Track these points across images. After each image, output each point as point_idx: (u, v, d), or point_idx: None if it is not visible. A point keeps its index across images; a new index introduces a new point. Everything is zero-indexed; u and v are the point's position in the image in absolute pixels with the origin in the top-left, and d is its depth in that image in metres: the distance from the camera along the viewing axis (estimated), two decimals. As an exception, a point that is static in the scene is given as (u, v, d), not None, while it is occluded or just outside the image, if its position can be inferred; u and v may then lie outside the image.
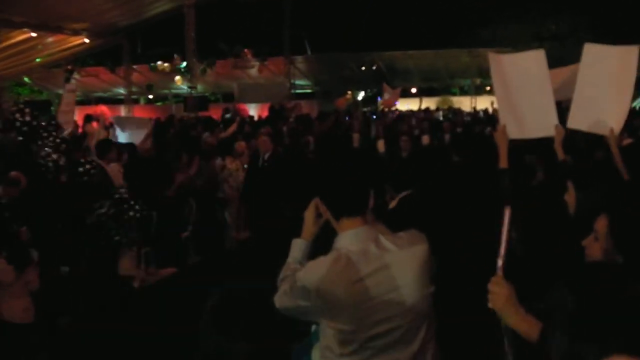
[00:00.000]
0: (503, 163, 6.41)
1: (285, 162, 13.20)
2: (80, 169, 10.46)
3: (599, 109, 6.42)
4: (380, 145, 12.19)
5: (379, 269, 3.38)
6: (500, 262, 3.09)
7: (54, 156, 10.50)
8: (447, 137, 14.45)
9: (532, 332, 3.04)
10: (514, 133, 6.64)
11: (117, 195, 9.53)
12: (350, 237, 3.46)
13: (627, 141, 6.78)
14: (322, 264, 3.44)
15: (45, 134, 10.85)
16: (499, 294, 3.07)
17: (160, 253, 11.15)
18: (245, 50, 31.38)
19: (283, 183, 12.32)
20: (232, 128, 17.50)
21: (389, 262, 3.40)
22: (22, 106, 11.23)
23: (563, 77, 7.09)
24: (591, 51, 6.67)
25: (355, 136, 12.86)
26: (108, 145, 11.40)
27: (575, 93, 6.60)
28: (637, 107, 29.08)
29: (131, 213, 9.63)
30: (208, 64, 31.73)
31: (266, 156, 12.82)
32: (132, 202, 9.65)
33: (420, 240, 3.59)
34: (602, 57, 6.56)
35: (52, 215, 9.43)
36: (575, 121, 6.63)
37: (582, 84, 6.56)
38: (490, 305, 3.10)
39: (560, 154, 6.42)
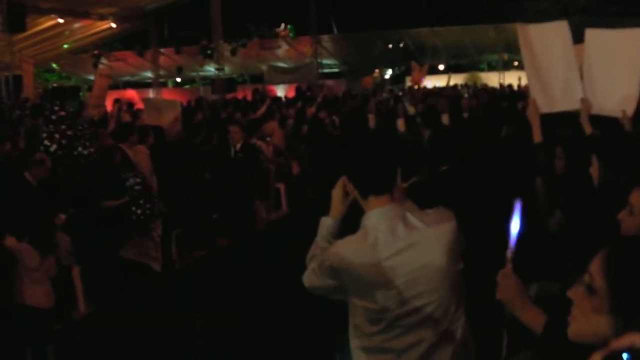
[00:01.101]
0: (537, 137, 6.29)
1: (257, 153, 13.18)
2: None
3: (609, 92, 6.39)
4: (401, 124, 12.10)
5: (407, 247, 3.36)
6: (509, 254, 3.06)
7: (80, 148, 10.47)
8: (465, 115, 14.16)
9: (537, 323, 3.02)
10: (544, 107, 6.59)
11: (136, 188, 9.69)
12: (378, 216, 3.43)
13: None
14: (350, 242, 3.44)
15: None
16: (507, 286, 3.05)
17: (190, 235, 11.25)
18: (277, 29, 31.30)
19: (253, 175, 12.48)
20: (262, 110, 17.53)
21: (416, 240, 3.38)
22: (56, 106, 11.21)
23: None
24: (593, 36, 6.64)
25: (371, 117, 12.73)
26: (128, 129, 11.40)
27: (584, 78, 6.55)
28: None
29: (148, 206, 9.78)
30: (241, 44, 31.69)
31: (238, 147, 12.38)
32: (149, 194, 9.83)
33: (449, 217, 3.55)
34: (606, 42, 6.55)
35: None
36: None
37: (589, 69, 6.53)
38: (498, 296, 3.07)
39: (588, 128, 6.34)
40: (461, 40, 35.76)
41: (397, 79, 39.47)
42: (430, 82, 30.34)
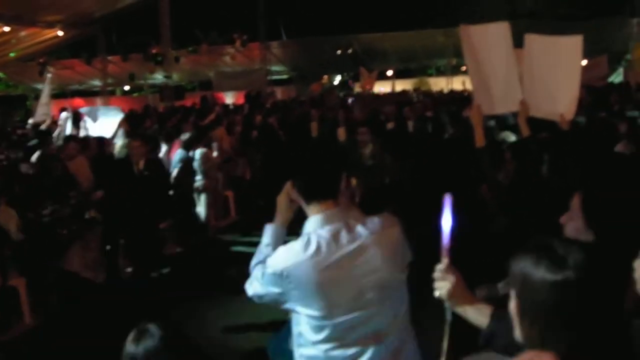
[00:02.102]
0: (479, 142, 6.35)
1: (162, 170, 11.96)
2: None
3: (548, 96, 6.51)
4: (341, 133, 12.10)
5: (349, 254, 3.36)
6: (444, 249, 3.07)
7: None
8: (410, 124, 14.06)
9: (482, 318, 3.07)
10: (485, 108, 6.68)
11: (72, 201, 9.62)
12: (320, 221, 3.43)
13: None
14: (291, 249, 3.41)
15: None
16: (446, 283, 3.05)
17: (137, 245, 11.19)
18: (235, 35, 31.23)
19: (161, 194, 11.64)
20: (211, 117, 17.52)
21: (359, 246, 3.37)
22: None
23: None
24: (532, 42, 6.78)
25: (313, 125, 12.70)
26: (68, 140, 11.37)
27: (524, 81, 6.65)
28: (615, 82, 29.35)
29: (86, 217, 9.74)
30: (192, 50, 31.55)
31: (141, 164, 10.73)
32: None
33: (393, 223, 3.56)
34: (545, 48, 6.68)
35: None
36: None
37: (528, 74, 6.66)
38: (436, 294, 3.08)
39: (525, 130, 6.44)
40: (410, 45, 35.94)
41: (346, 84, 39.57)
42: (378, 87, 30.46)
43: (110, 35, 34.67)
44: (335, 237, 3.38)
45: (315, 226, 3.44)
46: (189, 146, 13.20)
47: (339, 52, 34.94)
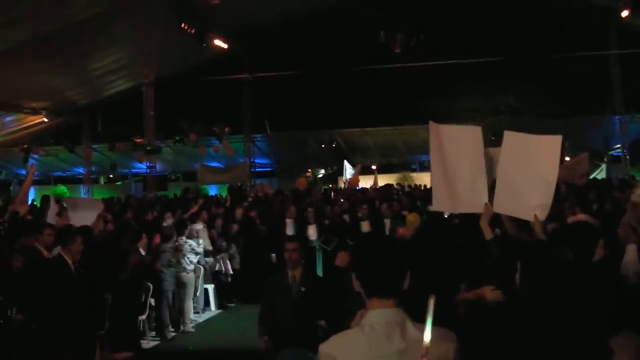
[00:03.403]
0: (487, 235, 6.52)
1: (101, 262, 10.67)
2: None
3: (523, 195, 6.55)
4: (312, 230, 12.06)
5: (398, 353, 3.34)
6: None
7: None
8: (387, 222, 13.95)
9: None
10: (446, 206, 6.70)
11: None
12: (378, 316, 3.42)
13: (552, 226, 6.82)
14: (344, 335, 3.48)
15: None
16: None
17: (116, 336, 11.02)
18: (216, 128, 31.42)
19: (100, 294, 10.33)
20: (194, 208, 17.50)
21: (409, 348, 3.33)
22: None
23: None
24: (511, 139, 6.83)
25: (289, 221, 12.66)
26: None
27: (498, 179, 6.74)
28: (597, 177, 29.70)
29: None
30: (179, 140, 31.61)
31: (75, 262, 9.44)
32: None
33: (450, 338, 3.50)
34: (523, 146, 6.73)
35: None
36: (501, 205, 6.75)
37: (504, 171, 6.72)
38: None
39: (487, 233, 6.53)
40: (392, 140, 36.27)
41: (329, 178, 39.72)
42: (361, 182, 30.57)
43: (95, 123, 34.80)
44: (388, 334, 3.36)
45: (373, 320, 3.42)
46: (168, 238, 13.18)
47: (323, 146, 35.17)
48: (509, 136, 6.83)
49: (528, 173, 6.54)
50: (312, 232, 11.98)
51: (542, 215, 6.40)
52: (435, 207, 7.27)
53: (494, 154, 6.96)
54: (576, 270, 4.80)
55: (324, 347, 3.48)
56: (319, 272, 13.69)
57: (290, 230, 12.83)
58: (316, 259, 14.04)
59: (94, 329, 10.62)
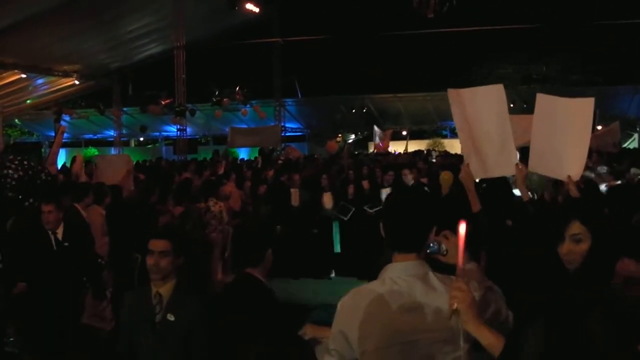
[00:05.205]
0: (475, 206, 6.05)
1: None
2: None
3: (556, 156, 6.47)
4: (327, 199, 11.69)
5: (419, 306, 3.31)
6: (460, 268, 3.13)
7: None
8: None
9: (495, 345, 3.06)
10: (479, 173, 6.57)
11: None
12: (399, 270, 3.40)
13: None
14: (363, 288, 3.45)
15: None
16: (463, 296, 3.07)
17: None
18: (237, 90, 31.32)
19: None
20: (220, 170, 17.43)
21: (431, 302, 3.31)
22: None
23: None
24: (544, 102, 6.73)
25: (294, 192, 12.17)
26: (83, 189, 11.23)
27: (532, 141, 6.67)
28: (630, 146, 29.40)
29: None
30: (211, 105, 31.63)
31: (59, 234, 8.68)
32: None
33: (475, 288, 3.41)
34: (556, 108, 6.62)
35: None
36: (535, 164, 6.71)
37: (537, 133, 6.64)
38: (454, 306, 3.07)
39: (525, 195, 6.40)
40: (424, 106, 36.05)
41: (359, 143, 39.61)
42: (392, 148, 30.39)
43: (126, 86, 34.85)
44: (410, 287, 3.34)
45: (394, 274, 3.40)
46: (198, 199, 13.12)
47: (353, 111, 35.04)
48: (541, 99, 6.73)
49: (561, 134, 6.43)
50: (327, 200, 11.46)
51: (576, 175, 6.31)
52: None
53: (518, 120, 6.85)
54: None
55: (345, 300, 3.44)
56: (337, 248, 12.85)
57: (295, 202, 12.20)
58: (332, 233, 13.16)
59: (124, 288, 10.67)
